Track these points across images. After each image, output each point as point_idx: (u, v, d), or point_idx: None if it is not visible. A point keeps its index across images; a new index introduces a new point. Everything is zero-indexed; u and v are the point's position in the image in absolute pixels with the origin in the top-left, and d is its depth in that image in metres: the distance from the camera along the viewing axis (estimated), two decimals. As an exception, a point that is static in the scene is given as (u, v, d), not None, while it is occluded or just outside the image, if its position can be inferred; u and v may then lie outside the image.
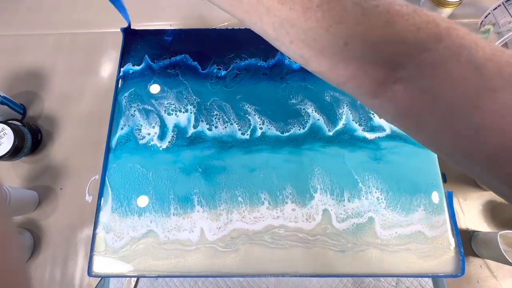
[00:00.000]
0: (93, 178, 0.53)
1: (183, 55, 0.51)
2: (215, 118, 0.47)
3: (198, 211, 0.42)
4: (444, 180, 0.53)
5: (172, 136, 0.46)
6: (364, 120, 0.46)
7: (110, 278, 0.47)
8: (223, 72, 0.49)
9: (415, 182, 0.43)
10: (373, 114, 0.47)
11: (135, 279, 0.47)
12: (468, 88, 0.18)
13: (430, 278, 0.47)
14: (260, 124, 0.46)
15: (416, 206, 0.42)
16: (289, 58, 0.50)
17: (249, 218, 0.42)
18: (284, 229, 0.41)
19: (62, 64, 0.61)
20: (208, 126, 0.46)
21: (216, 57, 0.50)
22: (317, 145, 0.45)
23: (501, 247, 0.42)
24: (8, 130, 0.49)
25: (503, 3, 0.57)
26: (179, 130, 0.46)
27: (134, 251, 0.40)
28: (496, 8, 0.59)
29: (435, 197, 0.42)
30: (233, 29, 0.53)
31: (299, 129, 0.46)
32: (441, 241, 0.40)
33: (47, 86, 0.60)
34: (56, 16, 0.66)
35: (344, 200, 0.42)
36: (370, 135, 0.45)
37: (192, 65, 0.50)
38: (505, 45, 0.61)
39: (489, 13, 0.60)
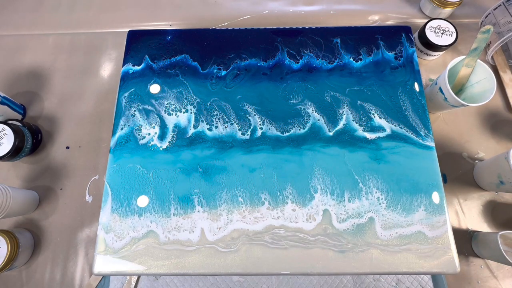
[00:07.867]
0: (93, 178, 0.53)
1: (183, 55, 0.51)
2: (215, 118, 0.47)
3: (198, 211, 0.42)
4: (445, 180, 0.53)
5: (172, 136, 0.46)
6: (364, 120, 0.46)
7: (110, 279, 0.47)
8: (223, 72, 0.49)
9: (415, 182, 0.43)
10: (373, 114, 0.47)
11: (135, 279, 0.47)
12: None
13: (430, 279, 0.47)
14: (260, 124, 0.46)
15: (416, 206, 0.42)
16: (289, 58, 0.50)
17: (250, 218, 0.42)
18: (284, 229, 0.41)
19: (62, 64, 0.61)
20: (208, 126, 0.46)
21: (216, 57, 0.50)
22: (317, 145, 0.45)
23: (501, 248, 0.42)
24: (8, 131, 0.49)
25: (503, 3, 0.57)
26: (179, 130, 0.46)
27: (134, 252, 0.40)
28: (496, 8, 0.59)
29: (436, 197, 0.42)
30: (233, 29, 0.53)
31: (299, 129, 0.46)
32: (441, 241, 0.40)
33: (47, 86, 0.60)
34: (56, 16, 0.66)
35: (344, 200, 0.42)
36: (370, 135, 0.45)
37: (192, 65, 0.50)
38: (505, 45, 0.61)
39: (490, 13, 0.60)
